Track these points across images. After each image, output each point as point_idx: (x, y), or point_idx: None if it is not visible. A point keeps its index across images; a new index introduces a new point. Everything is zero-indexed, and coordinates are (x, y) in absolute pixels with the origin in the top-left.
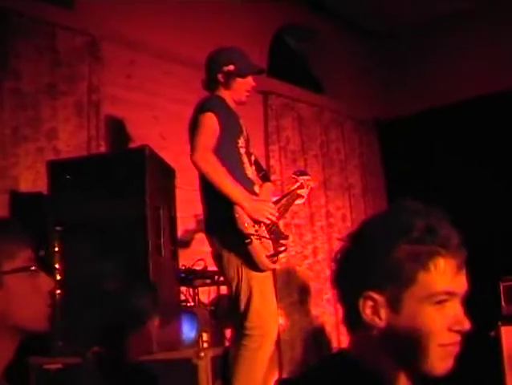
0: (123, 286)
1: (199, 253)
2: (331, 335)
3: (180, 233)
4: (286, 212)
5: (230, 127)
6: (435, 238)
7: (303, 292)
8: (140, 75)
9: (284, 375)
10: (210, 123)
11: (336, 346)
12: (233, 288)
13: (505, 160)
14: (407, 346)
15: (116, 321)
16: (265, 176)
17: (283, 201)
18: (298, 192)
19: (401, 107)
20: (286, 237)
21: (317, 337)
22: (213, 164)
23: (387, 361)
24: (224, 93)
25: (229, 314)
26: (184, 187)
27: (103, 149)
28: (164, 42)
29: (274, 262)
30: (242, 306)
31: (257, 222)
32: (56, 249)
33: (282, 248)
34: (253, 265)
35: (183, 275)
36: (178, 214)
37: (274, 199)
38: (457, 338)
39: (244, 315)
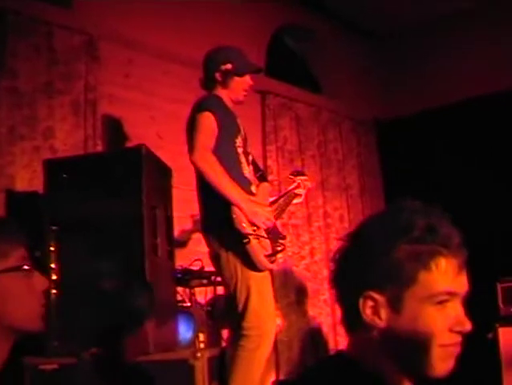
0: (119, 286)
1: (196, 254)
2: (328, 336)
3: (176, 233)
4: (283, 212)
5: (228, 127)
6: (436, 237)
7: (300, 292)
8: (137, 75)
9: (281, 376)
10: (208, 122)
11: (333, 347)
12: (231, 288)
13: (503, 161)
14: (407, 346)
15: (112, 321)
16: (262, 176)
17: (280, 201)
18: (296, 191)
19: (400, 107)
20: (284, 237)
21: (314, 337)
22: (212, 163)
23: (387, 362)
24: (221, 92)
25: (226, 315)
26: (181, 186)
27: (99, 148)
28: (162, 41)
29: (272, 262)
30: (240, 306)
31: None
32: (52, 248)
33: (280, 247)
34: (252, 265)
35: (179, 275)
36: (175, 214)
37: (272, 199)
38: (458, 338)
39: (242, 315)
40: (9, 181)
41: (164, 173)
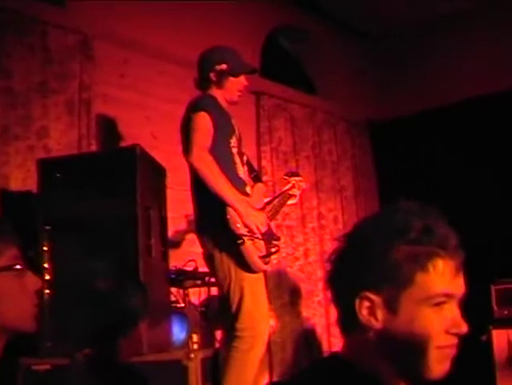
0: (112, 287)
1: (189, 254)
2: (322, 337)
3: (170, 233)
4: (277, 213)
5: (223, 127)
6: (432, 239)
7: (294, 293)
8: (132, 74)
9: (275, 377)
10: (204, 122)
11: (327, 349)
12: (225, 289)
13: (499, 162)
14: (404, 348)
15: (106, 322)
16: (256, 177)
17: (275, 202)
18: (290, 192)
19: (395, 108)
20: (278, 239)
21: (308, 339)
22: (209, 164)
23: (383, 364)
24: (216, 92)
25: (220, 315)
26: (175, 187)
27: (94, 148)
28: (157, 41)
29: (266, 263)
30: (233, 307)
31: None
32: (45, 248)
33: (274, 249)
34: (246, 266)
35: (173, 276)
36: (168, 214)
37: (266, 200)
38: (454, 340)
39: (235, 316)
40: (3, 181)
41: (158, 173)
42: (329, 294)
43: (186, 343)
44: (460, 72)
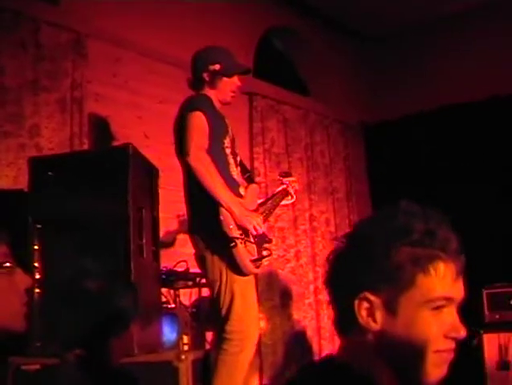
0: (103, 287)
1: (181, 255)
2: (313, 340)
3: (162, 233)
4: (270, 214)
5: (217, 127)
6: (434, 241)
7: (285, 296)
8: (125, 73)
9: (265, 380)
10: (200, 122)
11: (318, 351)
12: (215, 290)
13: (491, 166)
14: (401, 350)
15: (96, 322)
16: (250, 178)
17: (268, 204)
18: (288, 189)
19: (388, 110)
20: (270, 241)
21: (298, 341)
22: (207, 164)
23: (380, 366)
24: (209, 92)
25: (210, 317)
26: (167, 187)
27: (86, 147)
28: (150, 41)
29: (258, 267)
30: (224, 310)
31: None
32: (36, 247)
33: (266, 252)
34: (237, 269)
35: (164, 276)
36: (160, 214)
37: (259, 201)
38: (452, 344)
39: (225, 319)
40: None
41: (150, 173)
42: (327, 295)
43: (177, 344)
44: (454, 75)
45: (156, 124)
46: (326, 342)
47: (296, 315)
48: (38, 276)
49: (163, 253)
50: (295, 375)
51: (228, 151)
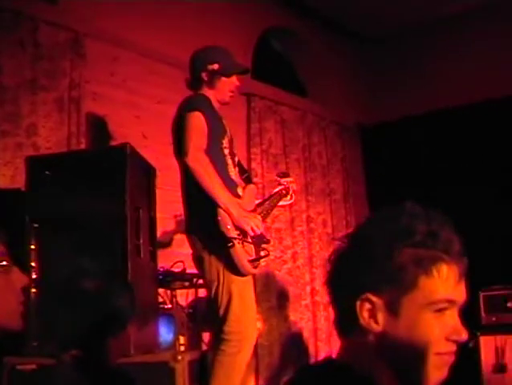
0: (100, 287)
1: (178, 255)
2: (309, 341)
3: (159, 233)
4: (268, 215)
5: (215, 128)
6: (437, 243)
7: (282, 297)
8: (123, 73)
9: (261, 381)
10: (199, 122)
11: (314, 352)
12: (213, 291)
13: (489, 167)
14: (403, 352)
15: (93, 322)
16: (248, 178)
17: (266, 204)
18: (286, 190)
19: (385, 112)
20: (268, 241)
21: (295, 342)
22: (206, 165)
23: (381, 367)
24: (208, 92)
25: (207, 318)
26: (164, 187)
27: (83, 146)
28: (149, 41)
29: (255, 267)
30: (221, 310)
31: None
32: (33, 246)
33: (264, 252)
34: (234, 269)
35: (161, 277)
36: (157, 214)
37: (257, 202)
38: (453, 347)
39: (223, 319)
40: None
41: (148, 173)
42: (327, 295)
43: (173, 345)
44: (453, 77)
45: (154, 124)
46: (322, 344)
47: (293, 316)
48: (34, 275)
49: (160, 253)
50: (294, 376)
51: (226, 151)
